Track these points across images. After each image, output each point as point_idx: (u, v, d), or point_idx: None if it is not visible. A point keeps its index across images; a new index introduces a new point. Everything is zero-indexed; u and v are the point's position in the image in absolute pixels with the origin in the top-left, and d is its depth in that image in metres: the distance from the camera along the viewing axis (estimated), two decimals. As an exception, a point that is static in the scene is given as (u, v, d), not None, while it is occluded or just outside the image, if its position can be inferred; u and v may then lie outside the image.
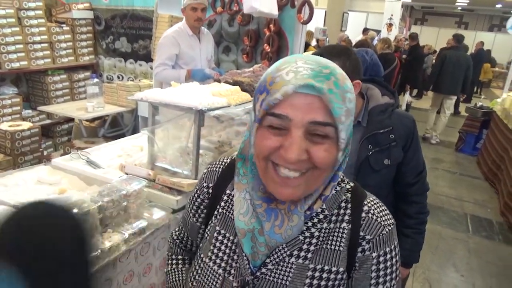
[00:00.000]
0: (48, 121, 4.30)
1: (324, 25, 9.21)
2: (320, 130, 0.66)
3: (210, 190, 0.89)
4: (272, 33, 3.56)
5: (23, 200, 1.58)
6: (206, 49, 3.25)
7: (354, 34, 9.39)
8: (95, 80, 3.73)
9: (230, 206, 0.84)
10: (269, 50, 3.62)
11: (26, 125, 3.82)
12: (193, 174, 1.79)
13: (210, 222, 0.88)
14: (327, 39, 4.01)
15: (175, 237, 1.06)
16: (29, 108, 4.25)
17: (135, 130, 4.21)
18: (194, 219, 0.94)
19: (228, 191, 0.86)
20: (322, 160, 0.68)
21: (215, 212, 0.87)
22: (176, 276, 1.00)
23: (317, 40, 6.51)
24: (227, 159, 0.92)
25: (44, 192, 1.73)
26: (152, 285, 1.68)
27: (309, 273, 0.75)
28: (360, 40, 4.66)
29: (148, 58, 4.42)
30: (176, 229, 1.06)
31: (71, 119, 4.32)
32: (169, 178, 1.75)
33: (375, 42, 7.18)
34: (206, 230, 0.89)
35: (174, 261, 1.05)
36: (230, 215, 0.84)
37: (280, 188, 0.70)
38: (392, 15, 9.92)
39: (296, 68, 0.67)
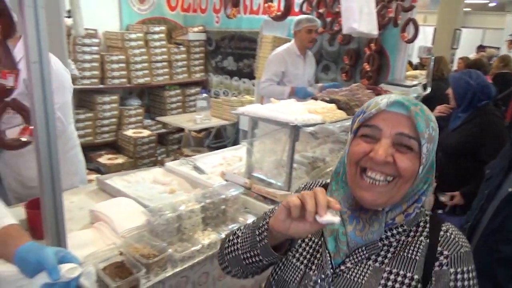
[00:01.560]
0: (163, 130, 4.87)
1: (433, 43, 8.69)
2: (406, 142, 0.78)
3: None
4: (373, 52, 3.55)
5: (142, 195, 1.86)
6: (310, 69, 3.41)
7: (467, 52, 8.65)
8: (204, 95, 4.13)
9: None
10: (369, 69, 3.61)
11: (146, 132, 4.39)
12: (286, 186, 1.89)
13: None
14: (432, 57, 3.82)
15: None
16: (148, 118, 4.86)
17: (235, 142, 4.52)
18: None
19: None
20: (405, 167, 0.77)
21: None
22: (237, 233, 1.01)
23: (420, 59, 6.17)
24: (322, 181, 1.03)
25: (157, 190, 2.01)
26: (242, 286, 1.81)
27: (385, 275, 0.81)
28: (474, 59, 4.30)
29: (251, 76, 4.72)
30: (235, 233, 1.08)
31: (182, 129, 4.81)
32: (264, 188, 1.88)
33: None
34: None
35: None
36: None
37: (365, 193, 0.80)
38: (515, 30, 8.92)
39: (389, 96, 0.81)
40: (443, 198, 2.51)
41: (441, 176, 2.74)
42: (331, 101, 2.27)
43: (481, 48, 9.95)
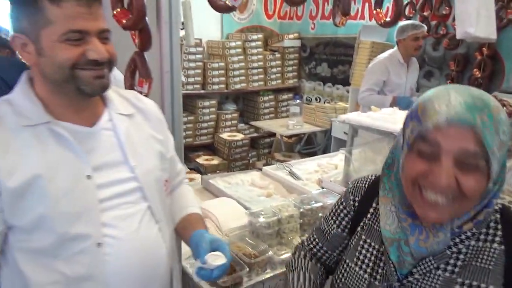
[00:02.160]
0: (255, 134, 5.03)
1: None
2: (471, 160, 0.67)
3: (356, 204, 0.96)
4: (485, 57, 3.24)
5: (242, 196, 1.95)
6: (412, 78, 3.24)
7: None
8: (298, 101, 4.17)
9: (376, 217, 0.90)
10: (479, 75, 3.30)
11: (239, 136, 4.58)
12: (386, 197, 1.83)
13: (355, 232, 0.94)
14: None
15: (306, 245, 1.10)
16: (242, 122, 5.06)
17: (326, 149, 4.48)
18: (339, 230, 1.00)
19: (374, 205, 0.92)
20: (471, 189, 0.69)
21: (361, 224, 0.93)
22: (301, 262, 1.04)
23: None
24: (371, 176, 0.98)
25: (255, 193, 2.09)
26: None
27: (457, 286, 0.74)
28: None
29: (345, 82, 4.64)
30: (309, 239, 1.11)
31: (273, 134, 4.92)
32: (362, 198, 1.84)
33: None
34: (351, 239, 0.95)
35: (302, 255, 1.08)
36: (375, 226, 0.89)
37: (426, 211, 0.73)
38: None
39: (449, 99, 0.68)
40: None
41: None
42: (438, 110, 2.14)
43: None
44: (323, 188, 2.01)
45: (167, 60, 1.06)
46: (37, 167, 0.84)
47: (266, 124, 4.62)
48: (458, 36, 2.08)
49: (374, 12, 1.70)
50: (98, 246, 0.89)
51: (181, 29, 2.48)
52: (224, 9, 1.12)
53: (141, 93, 1.11)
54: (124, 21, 1.06)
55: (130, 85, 1.15)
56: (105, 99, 0.99)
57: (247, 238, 1.52)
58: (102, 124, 0.96)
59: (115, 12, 1.08)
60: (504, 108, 2.41)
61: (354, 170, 2.02)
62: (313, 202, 1.70)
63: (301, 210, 1.64)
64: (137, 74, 1.14)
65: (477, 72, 3.32)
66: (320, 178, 2.11)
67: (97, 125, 0.95)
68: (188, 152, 4.53)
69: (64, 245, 0.87)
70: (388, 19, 1.67)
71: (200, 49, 4.34)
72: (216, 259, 0.96)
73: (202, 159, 4.47)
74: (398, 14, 1.58)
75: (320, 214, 1.69)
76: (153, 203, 1.00)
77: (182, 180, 1.27)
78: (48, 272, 0.87)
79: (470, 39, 2.03)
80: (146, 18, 1.06)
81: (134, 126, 1.01)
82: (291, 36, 5.05)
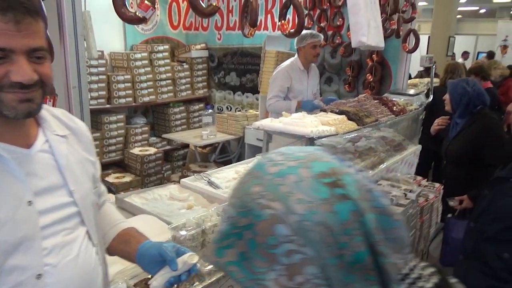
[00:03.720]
0: (168, 147, 4.90)
1: (427, 51, 8.83)
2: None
3: None
4: (375, 63, 3.63)
5: (162, 211, 1.89)
6: (313, 83, 3.47)
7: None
8: (210, 111, 4.19)
9: None
10: (371, 79, 3.68)
11: (152, 150, 4.42)
12: (303, 197, 1.93)
13: None
14: (434, 66, 3.90)
15: None
16: (154, 136, 4.90)
17: (240, 156, 4.56)
18: None
19: None
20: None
21: None
22: None
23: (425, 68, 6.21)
24: None
25: (176, 206, 2.04)
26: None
27: None
28: (451, 63, 4.29)
29: (254, 90, 4.79)
30: None
31: (186, 146, 4.85)
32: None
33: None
34: None
35: None
36: None
37: None
38: (507, 36, 9.11)
39: None
40: (452, 203, 2.57)
41: (448, 182, 2.83)
42: (340, 113, 2.33)
43: (465, 54, 10.13)
44: (243, 194, 2.04)
45: (74, 74, 0.99)
46: None
47: (179, 136, 4.54)
48: (353, 45, 2.30)
49: (279, 23, 1.80)
50: (37, 278, 0.82)
51: (82, 41, 2.34)
52: (134, 21, 1.08)
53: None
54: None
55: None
56: (38, 118, 0.93)
57: (172, 254, 1.48)
58: (39, 146, 0.90)
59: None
60: (394, 107, 2.72)
61: (271, 174, 2.10)
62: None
63: (225, 218, 1.65)
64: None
65: (370, 77, 3.70)
66: (239, 185, 2.14)
67: (34, 147, 0.89)
68: (97, 171, 4.23)
69: (0, 278, 0.78)
70: (291, 30, 1.77)
71: (102, 61, 4.11)
72: (192, 257, 0.97)
73: (112, 178, 4.21)
74: (301, 25, 1.69)
75: (243, 220, 1.72)
76: (90, 227, 0.96)
77: (105, 200, 1.22)
78: None
79: (363, 47, 2.26)
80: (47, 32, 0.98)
81: (70, 148, 0.96)
82: (198, 46, 5.06)
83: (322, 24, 3.92)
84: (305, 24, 3.92)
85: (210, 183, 2.31)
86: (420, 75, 5.85)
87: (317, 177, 0.51)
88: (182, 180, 2.36)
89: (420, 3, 14.86)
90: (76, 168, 0.95)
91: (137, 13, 1.06)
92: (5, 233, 0.79)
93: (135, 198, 2.09)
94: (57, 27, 0.99)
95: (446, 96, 2.70)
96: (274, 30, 4.35)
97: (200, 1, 1.36)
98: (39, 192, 0.86)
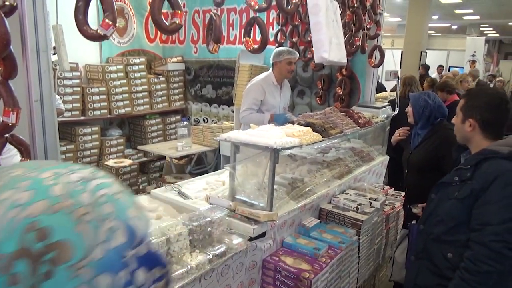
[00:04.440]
0: (144, 159, 4.91)
1: (400, 65, 9.16)
2: None
3: None
4: (344, 77, 3.77)
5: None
6: (285, 98, 3.57)
7: (433, 73, 9.13)
8: (185, 123, 4.24)
9: None
10: (341, 92, 3.82)
11: (127, 162, 4.43)
12: (268, 206, 2.00)
13: None
14: (399, 80, 4.08)
15: None
16: (129, 148, 4.90)
17: (216, 167, 4.61)
18: None
19: None
20: None
21: None
22: None
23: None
24: None
25: (145, 217, 2.08)
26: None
27: None
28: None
29: (229, 103, 4.87)
30: None
31: (163, 157, 4.87)
32: (248, 209, 1.98)
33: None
34: None
35: None
36: None
37: None
38: (475, 51, 9.54)
39: None
40: (415, 210, 2.68)
41: (410, 190, 2.95)
42: (306, 125, 2.42)
43: (440, 67, 10.57)
44: (211, 204, 2.10)
45: (36, 88, 1.04)
46: None
47: (155, 148, 4.56)
48: (316, 61, 2.41)
49: (244, 40, 1.89)
50: None
51: (53, 53, 2.36)
52: (95, 38, 1.14)
53: (7, 123, 1.06)
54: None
55: (-7, 115, 1.08)
56: None
57: (136, 262, 1.52)
58: None
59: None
60: (359, 119, 2.84)
61: (239, 184, 2.16)
62: (202, 218, 1.78)
63: (190, 227, 1.70)
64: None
65: (340, 90, 3.84)
66: (208, 195, 2.19)
67: None
68: (70, 183, 4.19)
69: None
70: (255, 46, 1.86)
71: (77, 73, 4.12)
72: None
73: (86, 190, 4.18)
74: (264, 43, 1.78)
75: (210, 229, 1.77)
76: None
77: None
78: None
79: (326, 63, 2.38)
80: (11, 46, 1.04)
81: None
82: (174, 59, 5.12)
83: (294, 39, 4.06)
84: (278, 39, 4.07)
85: (180, 194, 2.35)
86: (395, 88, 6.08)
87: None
88: (153, 191, 2.39)
89: (394, 19, 15.40)
90: None
91: (98, 31, 1.12)
92: None
93: (104, 209, 2.11)
94: (20, 42, 1.05)
95: (409, 109, 2.84)
96: (248, 45, 4.47)
97: (163, 19, 1.43)
98: None
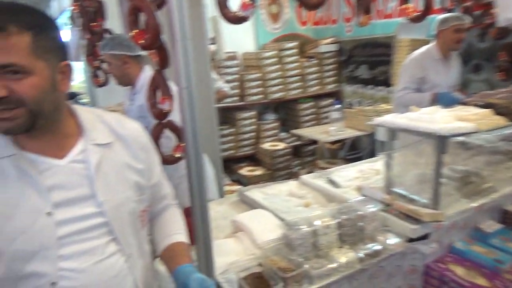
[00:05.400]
0: (297, 143, 4.97)
1: None
2: None
3: None
4: (541, 44, 2.97)
5: (279, 207, 1.91)
6: (452, 74, 3.03)
7: None
8: (338, 106, 4.07)
9: None
10: (535, 64, 3.03)
11: (281, 145, 4.55)
12: (433, 203, 1.70)
13: None
14: None
15: None
16: (284, 131, 5.02)
17: (372, 154, 4.30)
18: None
19: None
20: None
21: None
22: None
23: None
24: None
25: (293, 203, 2.04)
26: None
27: None
28: None
29: (387, 83, 4.46)
30: None
31: (316, 141, 4.83)
32: (406, 205, 1.73)
33: None
34: None
35: None
36: None
37: None
38: None
39: None
40: None
41: None
42: (486, 106, 1.97)
43: None
44: (363, 195, 1.92)
45: (184, 76, 1.06)
46: None
47: (308, 132, 4.54)
48: (499, 24, 1.92)
49: (402, 7, 1.61)
50: (52, 285, 0.86)
51: (212, 43, 2.52)
52: (236, 20, 1.11)
53: (162, 110, 1.12)
54: (141, 42, 1.09)
55: (153, 103, 1.17)
56: (81, 128, 0.95)
57: (282, 251, 1.48)
58: (72, 156, 0.92)
59: (132, 34, 1.11)
60: None
61: (396, 175, 1.91)
62: (352, 211, 1.62)
63: (339, 220, 1.57)
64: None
65: (532, 61, 3.05)
66: (359, 185, 2.01)
67: (67, 157, 0.91)
68: (231, 164, 4.56)
69: (17, 282, 0.86)
70: (417, 13, 1.57)
71: (235, 62, 4.40)
72: None
73: (245, 170, 4.48)
74: (428, 7, 1.48)
75: (361, 224, 1.60)
76: (121, 237, 0.95)
77: (168, 205, 1.22)
78: None
79: (516, 26, 1.87)
80: (163, 36, 1.09)
81: (110, 156, 0.96)
82: (327, 41, 4.96)
83: (468, 4, 3.39)
84: (447, 5, 3.47)
85: (330, 182, 2.24)
86: None
87: None
88: (302, 176, 2.35)
89: None
90: (112, 177, 0.95)
91: (238, 13, 1.09)
92: (23, 242, 0.83)
93: (256, 192, 2.17)
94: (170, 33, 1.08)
95: None
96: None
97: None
98: (61, 203, 0.87)
